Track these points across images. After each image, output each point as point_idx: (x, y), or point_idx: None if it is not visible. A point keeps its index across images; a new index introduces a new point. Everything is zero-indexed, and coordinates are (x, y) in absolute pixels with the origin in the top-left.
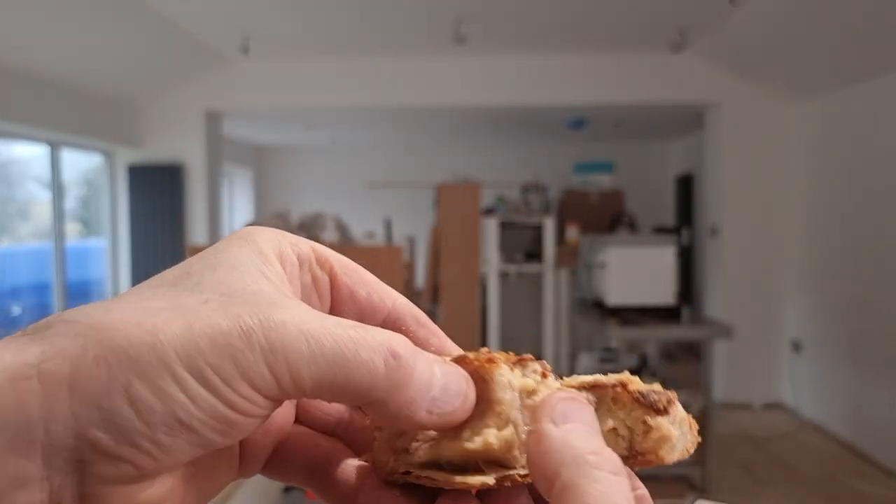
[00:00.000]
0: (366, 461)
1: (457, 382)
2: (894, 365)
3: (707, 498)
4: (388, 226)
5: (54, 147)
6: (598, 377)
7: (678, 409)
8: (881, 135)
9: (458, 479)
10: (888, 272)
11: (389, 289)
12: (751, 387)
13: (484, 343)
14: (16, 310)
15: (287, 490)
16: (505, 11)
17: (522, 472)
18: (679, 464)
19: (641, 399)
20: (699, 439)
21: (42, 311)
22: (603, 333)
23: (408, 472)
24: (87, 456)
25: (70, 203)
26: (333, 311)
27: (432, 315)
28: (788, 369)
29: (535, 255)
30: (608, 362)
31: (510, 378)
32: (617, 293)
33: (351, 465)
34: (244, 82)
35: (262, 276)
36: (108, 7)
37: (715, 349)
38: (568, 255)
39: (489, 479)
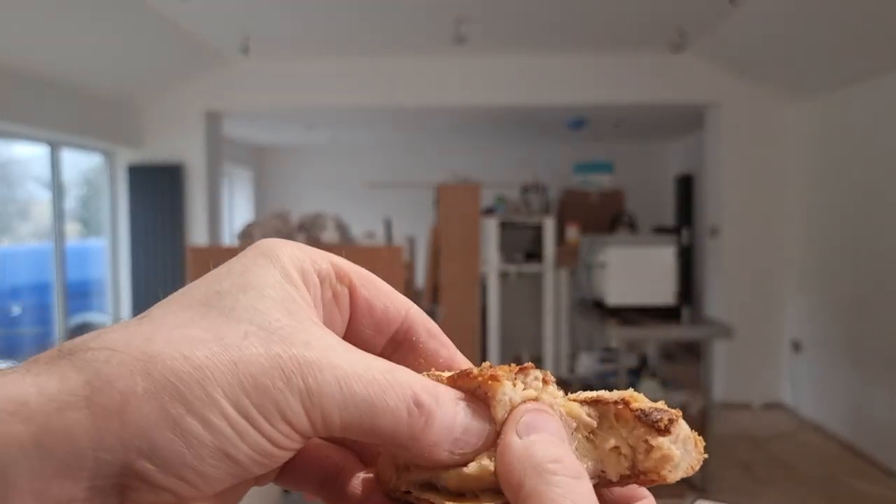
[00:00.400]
0: (372, 474)
1: (479, 422)
2: (894, 365)
3: (707, 498)
4: (388, 226)
5: (54, 147)
6: (602, 393)
7: (682, 428)
8: (881, 135)
9: None
10: (888, 272)
11: (404, 298)
12: (751, 387)
13: (484, 343)
14: (16, 310)
15: (287, 490)
16: (505, 11)
17: None
18: None
19: (643, 418)
20: (705, 456)
21: (42, 311)
22: (603, 333)
23: (408, 492)
24: (131, 483)
25: (70, 203)
26: (352, 322)
27: (432, 315)
28: (788, 369)
29: (535, 255)
30: (608, 362)
31: (512, 396)
32: (617, 293)
33: (360, 478)
34: (244, 82)
35: (292, 302)
36: (108, 7)
37: (715, 349)
38: (568, 255)
39: None
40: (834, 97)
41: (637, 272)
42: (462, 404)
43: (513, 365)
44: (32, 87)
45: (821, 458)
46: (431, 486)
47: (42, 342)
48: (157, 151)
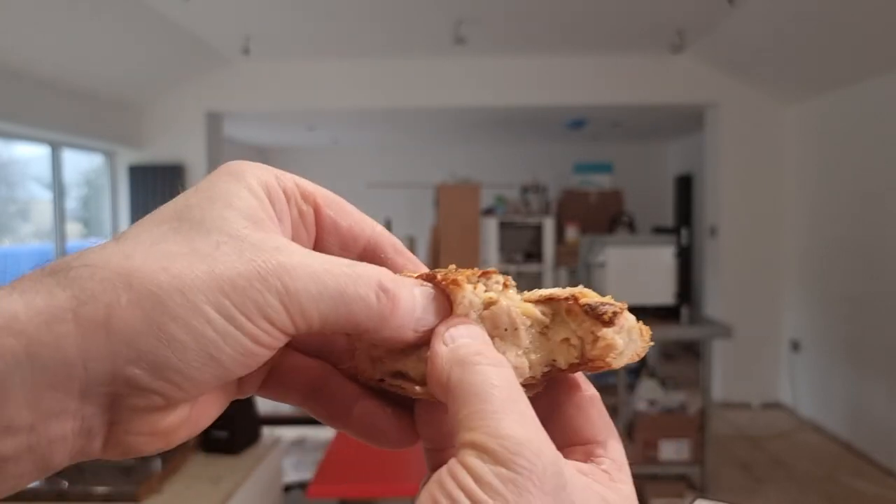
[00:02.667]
0: (348, 370)
1: (435, 302)
2: (893, 365)
3: (706, 497)
4: (388, 226)
5: (55, 147)
6: (554, 291)
7: (626, 319)
8: (880, 135)
9: (420, 389)
10: (887, 272)
11: (369, 219)
12: (750, 386)
13: None
14: None
15: (287, 490)
16: (505, 12)
17: None
18: (678, 463)
19: (590, 311)
20: (651, 344)
21: None
22: None
23: (382, 380)
24: (121, 390)
25: (71, 203)
26: (318, 241)
27: None
28: (787, 369)
29: (534, 255)
30: None
31: (471, 298)
32: (616, 293)
33: (343, 384)
34: (245, 83)
35: (258, 212)
36: (108, 7)
37: (714, 349)
38: (567, 255)
39: None
40: (833, 97)
41: (636, 272)
42: (418, 288)
43: (476, 269)
44: (33, 87)
45: (819, 457)
46: (401, 375)
47: None
48: (157, 152)
